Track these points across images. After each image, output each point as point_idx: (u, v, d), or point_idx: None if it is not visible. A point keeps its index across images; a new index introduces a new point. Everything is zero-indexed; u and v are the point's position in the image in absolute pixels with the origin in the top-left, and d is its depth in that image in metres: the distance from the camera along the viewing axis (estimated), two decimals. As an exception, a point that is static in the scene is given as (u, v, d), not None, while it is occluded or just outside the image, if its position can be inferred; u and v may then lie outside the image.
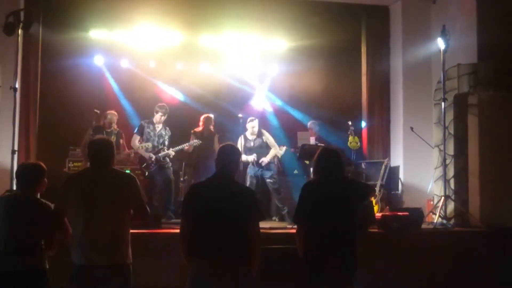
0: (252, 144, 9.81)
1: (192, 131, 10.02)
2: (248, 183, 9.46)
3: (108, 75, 11.84)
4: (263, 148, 9.78)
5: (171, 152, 9.62)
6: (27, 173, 4.93)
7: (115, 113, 9.99)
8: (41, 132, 10.93)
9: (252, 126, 9.83)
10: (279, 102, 12.56)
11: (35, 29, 10.05)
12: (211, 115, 10.27)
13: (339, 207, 4.74)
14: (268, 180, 9.68)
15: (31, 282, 4.66)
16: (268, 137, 9.91)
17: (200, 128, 10.05)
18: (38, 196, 4.97)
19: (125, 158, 10.00)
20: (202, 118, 10.12)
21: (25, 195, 4.85)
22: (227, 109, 11.49)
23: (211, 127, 10.04)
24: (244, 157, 9.49)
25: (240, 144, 9.56)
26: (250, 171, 9.71)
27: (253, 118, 10.00)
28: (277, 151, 9.91)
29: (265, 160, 9.64)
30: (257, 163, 9.64)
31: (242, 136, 9.74)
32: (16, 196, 4.96)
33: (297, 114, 12.34)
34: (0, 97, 8.77)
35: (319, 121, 11.11)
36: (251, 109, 12.05)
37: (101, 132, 9.46)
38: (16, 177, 5.04)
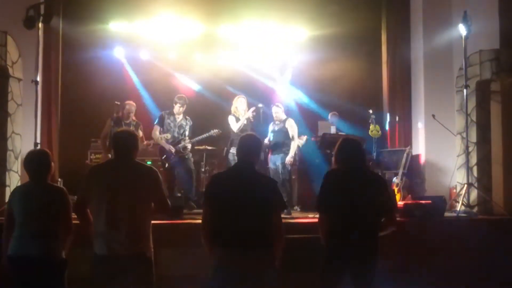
0: (275, 128, 9.60)
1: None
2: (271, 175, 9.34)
3: (128, 67, 11.89)
4: (282, 133, 9.48)
5: (188, 144, 9.58)
6: (37, 161, 4.99)
7: (133, 103, 9.89)
8: (63, 124, 11.03)
9: (275, 111, 9.61)
10: (299, 92, 12.51)
11: (55, 22, 10.13)
12: (237, 97, 10.01)
13: (360, 196, 4.73)
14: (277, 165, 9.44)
15: (46, 268, 4.74)
16: (290, 126, 9.56)
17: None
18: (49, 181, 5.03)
19: (143, 149, 9.90)
20: None
21: (37, 182, 4.91)
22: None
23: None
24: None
25: (269, 130, 9.57)
26: (269, 162, 9.54)
27: (278, 104, 9.81)
28: (297, 142, 9.72)
29: (289, 159, 9.35)
30: (270, 149, 9.50)
31: (272, 122, 9.66)
32: (29, 184, 5.00)
33: (317, 103, 12.29)
34: (21, 91, 8.83)
35: (339, 109, 11.08)
36: (271, 99, 12.02)
37: (120, 123, 9.48)
38: (26, 166, 5.06)
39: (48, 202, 4.82)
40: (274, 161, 9.48)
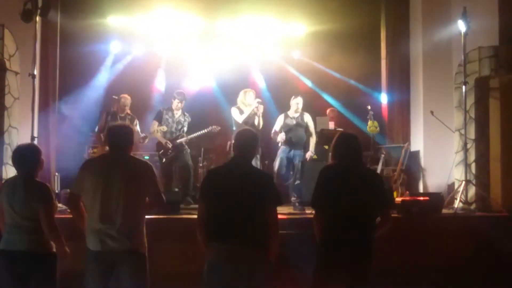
0: (293, 122, 9.37)
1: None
2: (277, 164, 9.25)
3: (126, 61, 11.87)
4: (301, 128, 9.38)
5: (184, 140, 9.53)
6: (23, 156, 4.91)
7: (128, 97, 9.81)
8: (61, 118, 10.99)
9: (297, 102, 9.40)
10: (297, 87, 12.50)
11: (53, 16, 10.06)
12: (246, 90, 9.74)
13: (356, 192, 4.69)
14: (296, 163, 9.33)
15: (36, 262, 4.70)
16: (309, 120, 9.49)
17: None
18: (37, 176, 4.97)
19: (140, 144, 9.83)
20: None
21: (22, 177, 4.85)
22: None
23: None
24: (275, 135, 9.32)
25: (279, 122, 9.44)
26: (281, 152, 9.35)
27: (297, 94, 9.61)
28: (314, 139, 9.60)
29: (310, 154, 9.40)
30: (286, 142, 9.29)
31: (283, 114, 9.51)
32: (15, 178, 4.96)
33: (316, 99, 12.27)
34: (19, 84, 8.81)
35: (339, 104, 11.06)
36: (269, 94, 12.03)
37: (116, 117, 9.43)
38: (12, 160, 4.99)
39: (30, 199, 4.74)
40: (297, 155, 9.31)
